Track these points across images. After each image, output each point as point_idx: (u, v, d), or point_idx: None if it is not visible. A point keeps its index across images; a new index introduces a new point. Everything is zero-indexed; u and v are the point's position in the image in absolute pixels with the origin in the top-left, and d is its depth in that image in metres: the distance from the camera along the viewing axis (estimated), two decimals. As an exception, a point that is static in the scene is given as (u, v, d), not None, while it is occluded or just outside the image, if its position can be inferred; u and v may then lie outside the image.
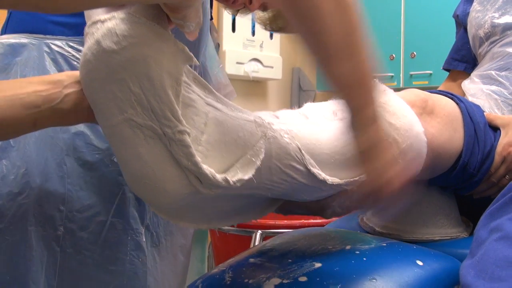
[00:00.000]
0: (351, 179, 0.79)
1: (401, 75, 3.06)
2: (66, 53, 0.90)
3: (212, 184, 0.65)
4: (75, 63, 0.89)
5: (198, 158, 0.64)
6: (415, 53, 3.00)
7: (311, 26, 0.64)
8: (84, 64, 0.64)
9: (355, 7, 0.67)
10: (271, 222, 1.58)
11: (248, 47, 2.96)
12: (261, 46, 3.02)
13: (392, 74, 3.07)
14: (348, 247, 0.86)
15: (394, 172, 0.75)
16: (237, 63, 2.83)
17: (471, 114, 0.95)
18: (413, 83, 3.01)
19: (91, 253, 0.91)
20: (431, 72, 2.89)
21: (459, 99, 0.97)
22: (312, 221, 1.60)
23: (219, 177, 0.65)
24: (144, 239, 0.94)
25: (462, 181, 0.97)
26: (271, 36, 3.08)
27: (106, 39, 0.61)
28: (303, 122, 0.80)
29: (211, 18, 1.09)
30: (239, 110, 0.72)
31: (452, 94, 0.99)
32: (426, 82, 2.94)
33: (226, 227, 1.63)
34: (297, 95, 3.39)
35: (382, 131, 0.74)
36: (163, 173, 0.64)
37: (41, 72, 0.89)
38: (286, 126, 0.76)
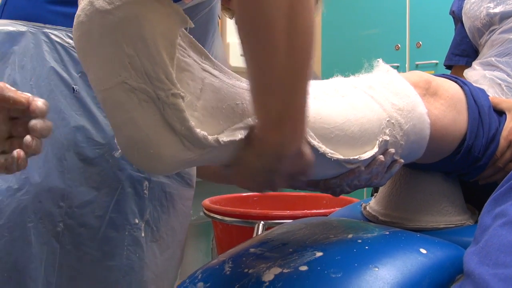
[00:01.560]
0: (351, 158, 0.77)
1: (406, 65, 3.04)
2: (66, 44, 0.88)
3: (203, 144, 0.64)
4: (76, 54, 0.87)
5: (192, 123, 0.62)
6: (420, 42, 2.98)
7: (258, 43, 0.61)
8: (78, 26, 0.62)
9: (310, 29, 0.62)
10: (274, 212, 1.56)
11: (252, 39, 2.91)
12: (265, 37, 2.99)
13: (398, 64, 3.05)
14: (350, 236, 0.84)
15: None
16: (241, 55, 2.78)
17: (475, 97, 0.93)
18: (419, 73, 2.97)
19: (89, 249, 0.89)
20: (437, 61, 2.87)
21: (463, 82, 0.95)
22: (315, 211, 1.58)
23: (210, 138, 0.64)
24: (143, 234, 0.93)
25: (467, 165, 0.94)
26: (275, 27, 3.04)
27: None
28: None
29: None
30: (238, 78, 0.71)
31: (456, 78, 0.97)
32: (432, 72, 2.91)
33: (229, 219, 1.62)
34: (302, 86, 3.36)
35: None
36: (158, 138, 0.62)
37: (39, 62, 0.88)
38: None
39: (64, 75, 0.88)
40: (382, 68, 0.91)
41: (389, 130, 0.82)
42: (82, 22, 0.61)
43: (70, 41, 0.88)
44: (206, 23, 0.98)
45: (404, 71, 3.05)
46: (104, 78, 0.62)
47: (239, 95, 0.68)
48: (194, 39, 0.66)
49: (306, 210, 1.58)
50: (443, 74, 0.99)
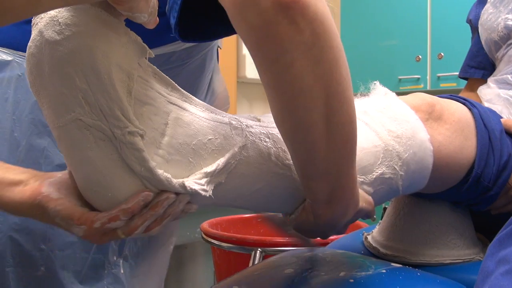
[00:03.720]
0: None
1: (428, 77, 2.94)
2: None
3: (167, 188, 0.58)
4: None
5: (153, 163, 0.56)
6: (442, 54, 2.88)
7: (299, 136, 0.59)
8: (28, 58, 0.57)
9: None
10: (271, 239, 1.48)
11: (269, 50, 2.85)
12: (281, 49, 2.93)
13: (419, 76, 2.95)
14: (342, 273, 0.76)
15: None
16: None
17: (485, 121, 0.84)
18: (441, 85, 2.88)
19: None
20: (460, 73, 2.76)
21: (472, 104, 0.86)
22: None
23: (175, 182, 0.57)
24: (122, 271, 0.88)
25: (476, 195, 0.85)
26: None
27: (48, 28, 0.54)
28: None
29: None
30: (212, 110, 0.64)
31: (464, 99, 0.88)
32: (454, 84, 2.81)
33: (226, 245, 1.55)
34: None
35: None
36: (115, 179, 0.56)
37: (23, 94, 0.83)
38: (267, 129, 0.67)
39: None
40: (379, 91, 0.83)
41: (387, 160, 0.74)
42: (32, 54, 0.56)
43: None
44: (204, 61, 0.93)
45: (425, 83, 2.95)
46: (57, 115, 0.56)
47: (212, 129, 0.62)
48: (158, 69, 0.60)
49: (305, 238, 1.50)
50: (451, 95, 0.90)
